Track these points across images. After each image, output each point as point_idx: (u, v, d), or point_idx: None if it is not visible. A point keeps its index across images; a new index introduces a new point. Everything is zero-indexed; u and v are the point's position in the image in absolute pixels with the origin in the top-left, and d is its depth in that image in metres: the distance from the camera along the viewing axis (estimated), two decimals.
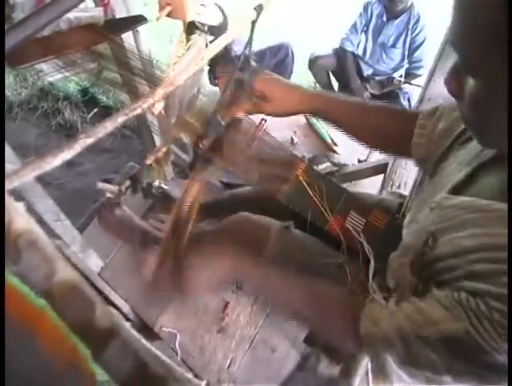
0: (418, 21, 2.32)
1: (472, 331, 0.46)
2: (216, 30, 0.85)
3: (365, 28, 2.47)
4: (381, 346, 0.58)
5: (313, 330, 0.72)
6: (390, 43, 2.44)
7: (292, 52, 2.53)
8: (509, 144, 0.47)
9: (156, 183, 1.35)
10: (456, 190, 0.63)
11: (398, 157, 0.97)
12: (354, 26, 2.48)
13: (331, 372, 0.83)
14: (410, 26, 2.31)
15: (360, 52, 2.53)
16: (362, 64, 2.58)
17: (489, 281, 0.47)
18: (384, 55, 2.50)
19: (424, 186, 0.85)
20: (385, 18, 2.39)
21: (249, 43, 0.90)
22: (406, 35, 2.36)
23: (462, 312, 0.48)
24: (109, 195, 1.41)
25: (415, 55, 2.41)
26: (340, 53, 2.56)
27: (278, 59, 2.51)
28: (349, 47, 2.52)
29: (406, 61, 2.46)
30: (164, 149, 0.92)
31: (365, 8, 2.43)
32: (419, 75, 2.48)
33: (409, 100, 2.53)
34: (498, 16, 0.39)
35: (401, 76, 2.50)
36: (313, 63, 2.64)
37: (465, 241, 0.52)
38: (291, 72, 2.63)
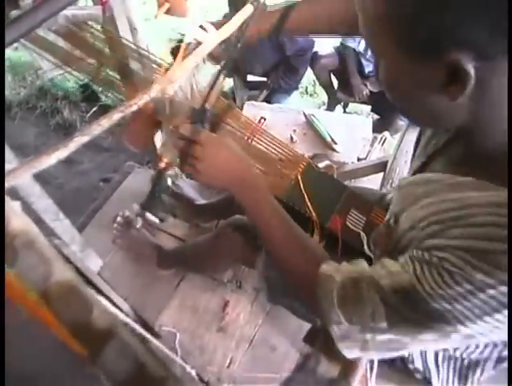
0: None
1: (414, 281, 0.50)
2: None
3: None
4: (330, 286, 0.60)
5: (275, 258, 0.73)
6: None
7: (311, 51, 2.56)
8: (509, 142, 0.48)
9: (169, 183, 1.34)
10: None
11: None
12: None
13: (331, 373, 0.83)
14: None
15: (361, 49, 2.51)
16: (363, 60, 2.56)
17: (435, 237, 0.50)
18: None
19: None
20: None
21: (240, 39, 0.86)
22: None
23: (411, 265, 0.52)
24: (127, 213, 1.45)
25: None
26: (341, 49, 2.55)
27: (300, 49, 2.51)
28: (351, 43, 2.50)
29: None
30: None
31: None
32: None
33: None
34: (377, 3, 0.43)
35: None
36: (315, 62, 2.63)
37: (419, 212, 0.55)
38: (306, 69, 2.64)
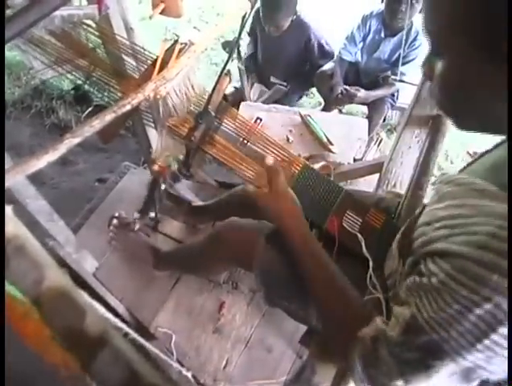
0: (416, 38, 2.25)
1: (415, 312, 0.49)
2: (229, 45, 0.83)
3: (361, 40, 2.43)
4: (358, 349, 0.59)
5: (319, 313, 0.76)
6: (385, 57, 2.40)
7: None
8: (508, 139, 0.48)
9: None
10: None
11: None
12: (353, 38, 2.41)
13: (325, 382, 0.82)
14: (408, 43, 2.24)
15: (361, 60, 2.50)
16: (361, 73, 2.57)
17: (441, 241, 0.49)
18: (377, 68, 2.48)
19: None
20: (382, 34, 2.33)
21: (239, 35, 0.86)
22: (403, 51, 2.30)
23: (412, 297, 0.51)
24: (123, 214, 1.44)
25: (402, 69, 2.34)
26: (336, 60, 2.54)
27: (325, 55, 2.56)
28: (347, 57, 2.48)
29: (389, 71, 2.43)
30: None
31: (364, 21, 2.36)
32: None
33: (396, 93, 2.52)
34: (459, 2, 0.43)
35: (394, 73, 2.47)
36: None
37: (441, 212, 0.55)
38: None
